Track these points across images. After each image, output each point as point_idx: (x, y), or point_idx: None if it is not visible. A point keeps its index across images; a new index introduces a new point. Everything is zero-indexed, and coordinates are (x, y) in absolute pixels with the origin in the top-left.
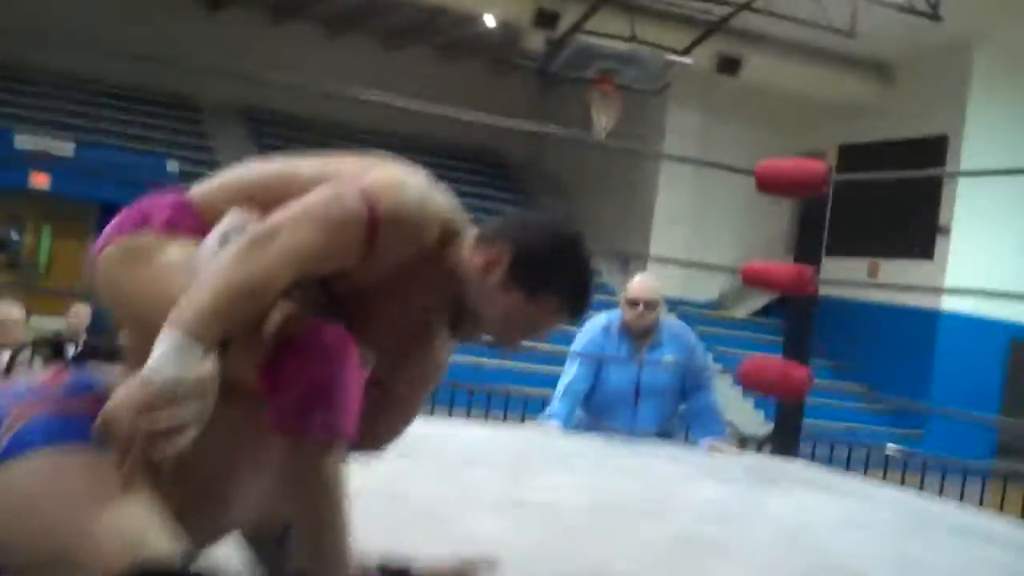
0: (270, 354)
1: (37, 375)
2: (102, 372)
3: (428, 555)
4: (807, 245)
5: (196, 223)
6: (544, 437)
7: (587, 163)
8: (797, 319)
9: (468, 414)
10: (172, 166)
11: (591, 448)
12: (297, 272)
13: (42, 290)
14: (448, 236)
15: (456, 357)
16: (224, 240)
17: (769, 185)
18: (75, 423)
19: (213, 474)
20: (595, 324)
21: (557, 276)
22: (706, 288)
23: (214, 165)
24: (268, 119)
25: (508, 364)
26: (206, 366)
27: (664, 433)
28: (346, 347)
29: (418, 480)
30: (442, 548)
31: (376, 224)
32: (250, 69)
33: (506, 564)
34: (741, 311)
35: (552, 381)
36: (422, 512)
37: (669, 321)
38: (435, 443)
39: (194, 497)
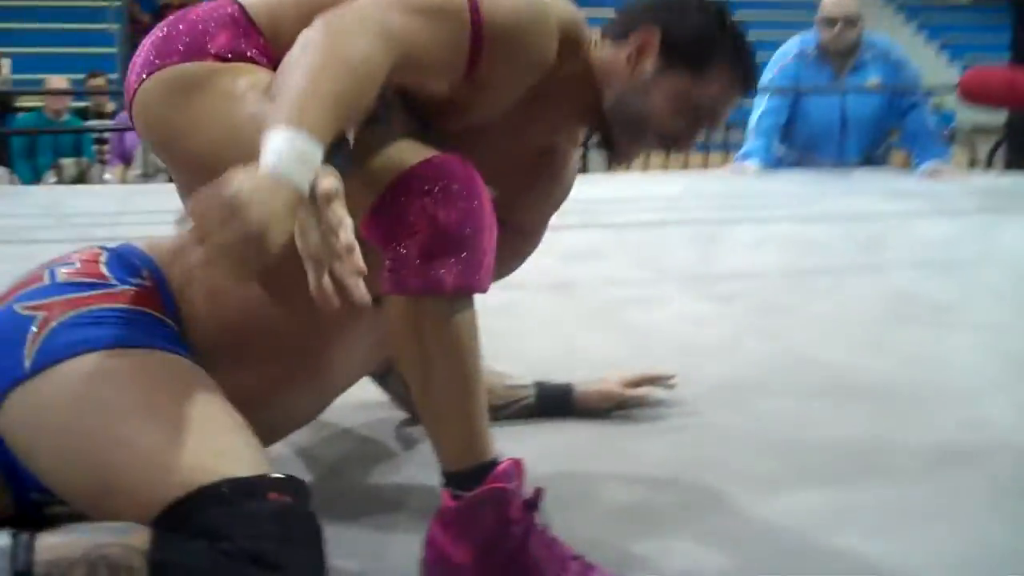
0: (381, 193)
1: (72, 258)
2: (149, 248)
3: (599, 358)
4: None
5: (261, 47)
6: (743, 182)
7: None
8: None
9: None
10: None
11: (792, 190)
12: (397, 59)
13: None
14: (571, 45)
15: None
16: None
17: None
18: (110, 323)
19: (305, 349)
20: (786, 51)
21: (721, 44)
22: None
23: None
24: None
25: None
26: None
27: (874, 161)
28: (476, 182)
29: (604, 260)
30: (623, 343)
31: (480, 33)
32: None
33: (688, 357)
34: None
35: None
36: (601, 303)
37: (871, 37)
38: (627, 205)
39: (280, 377)
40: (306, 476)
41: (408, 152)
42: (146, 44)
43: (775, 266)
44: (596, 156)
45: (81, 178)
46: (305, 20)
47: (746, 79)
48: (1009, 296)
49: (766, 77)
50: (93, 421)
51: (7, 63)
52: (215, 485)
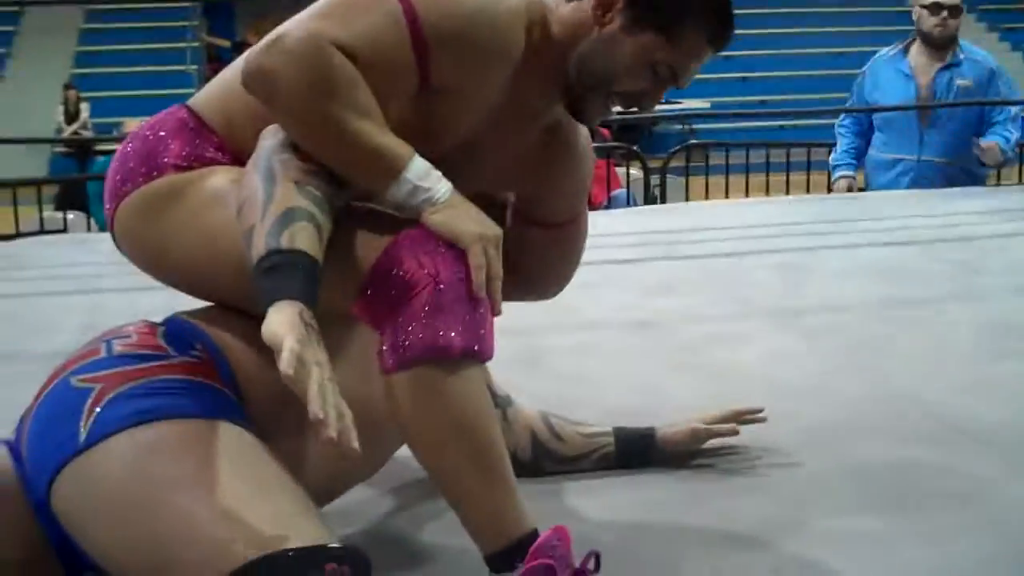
0: (371, 267)
1: (128, 330)
2: (198, 319)
3: (683, 402)
4: None
5: (217, 145)
6: (828, 205)
7: None
8: None
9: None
10: None
11: (880, 212)
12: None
13: None
14: (538, 18)
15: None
16: (268, 171)
17: None
18: (169, 393)
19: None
20: (879, 59)
21: (688, 1)
22: None
23: None
24: None
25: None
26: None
27: (957, 168)
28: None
29: (685, 295)
30: (707, 385)
31: (420, 36)
32: None
33: (778, 399)
34: None
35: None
36: (683, 342)
37: (969, 45)
38: (707, 235)
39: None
40: (363, 540)
41: (383, 225)
42: (112, 165)
43: (866, 296)
44: (673, 183)
45: None
46: (257, 116)
47: (717, 37)
48: None
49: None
50: (148, 493)
51: (86, 107)
52: (271, 557)
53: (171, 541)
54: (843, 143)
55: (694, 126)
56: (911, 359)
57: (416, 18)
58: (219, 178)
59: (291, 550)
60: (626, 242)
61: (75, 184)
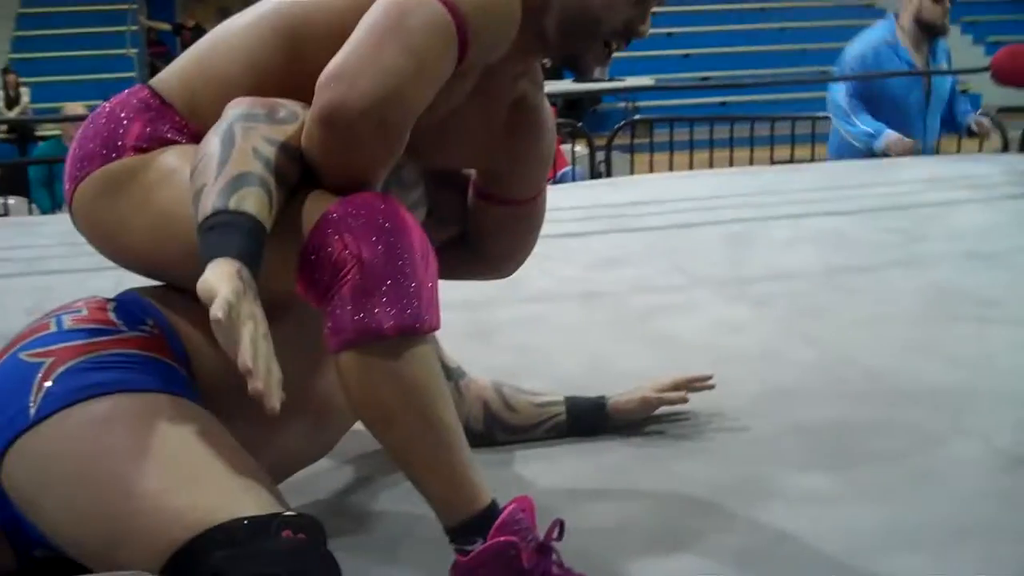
0: (304, 247)
1: (78, 305)
2: (150, 296)
3: (631, 371)
4: None
5: (177, 124)
6: (770, 176)
7: None
8: None
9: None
10: None
11: (825, 182)
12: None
13: None
14: None
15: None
16: (228, 134)
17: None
18: (119, 367)
19: (307, 388)
20: (867, 40)
21: None
22: None
23: None
24: None
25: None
26: None
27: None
28: (400, 213)
29: (632, 267)
30: (655, 354)
31: (465, 34)
32: None
33: (726, 366)
34: None
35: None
36: (631, 312)
37: None
38: (653, 208)
39: (286, 417)
40: (318, 510)
41: (321, 200)
42: (72, 147)
43: (811, 265)
44: (619, 159)
45: None
46: (221, 95)
47: None
48: None
49: (850, 57)
50: (100, 468)
51: (27, 92)
52: (226, 525)
53: (124, 513)
54: (863, 118)
55: (637, 103)
56: (855, 325)
57: (462, 22)
58: (174, 157)
59: (246, 518)
60: (573, 216)
61: (15, 169)
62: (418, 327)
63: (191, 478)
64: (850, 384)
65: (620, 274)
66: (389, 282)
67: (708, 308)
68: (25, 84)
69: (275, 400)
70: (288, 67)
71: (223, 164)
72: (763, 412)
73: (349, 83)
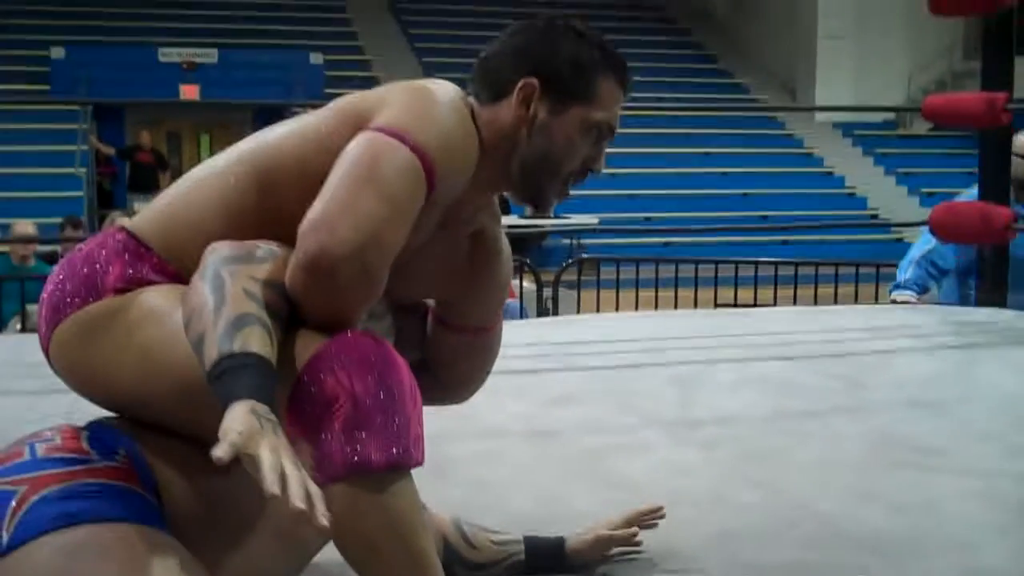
0: (295, 383)
1: (51, 433)
2: (129, 432)
3: (584, 510)
4: (993, 65)
5: (156, 266)
6: (717, 320)
7: None
8: (992, 154)
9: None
10: (316, 58)
11: (770, 328)
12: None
13: None
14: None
15: None
16: (217, 280)
17: (942, 4)
18: (92, 497)
19: (267, 508)
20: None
21: (593, 61)
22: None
23: (359, 52)
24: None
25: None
26: None
27: None
28: (390, 352)
29: (584, 406)
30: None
31: (429, 166)
32: None
33: (678, 508)
34: (920, 126)
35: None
36: (583, 451)
37: None
38: (603, 347)
39: (255, 544)
40: None
41: (313, 338)
42: (45, 294)
43: (758, 409)
44: (565, 296)
45: None
46: (197, 237)
47: (624, 81)
48: (997, 437)
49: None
50: None
51: None
52: None
53: None
54: (917, 274)
55: (582, 240)
56: (802, 470)
57: (428, 162)
58: (153, 296)
59: None
60: (524, 353)
61: None
62: (405, 462)
63: None
64: (798, 528)
65: (571, 412)
66: (380, 418)
67: (659, 450)
68: None
69: (319, 519)
70: (260, 209)
71: (218, 309)
72: (715, 554)
73: (329, 231)
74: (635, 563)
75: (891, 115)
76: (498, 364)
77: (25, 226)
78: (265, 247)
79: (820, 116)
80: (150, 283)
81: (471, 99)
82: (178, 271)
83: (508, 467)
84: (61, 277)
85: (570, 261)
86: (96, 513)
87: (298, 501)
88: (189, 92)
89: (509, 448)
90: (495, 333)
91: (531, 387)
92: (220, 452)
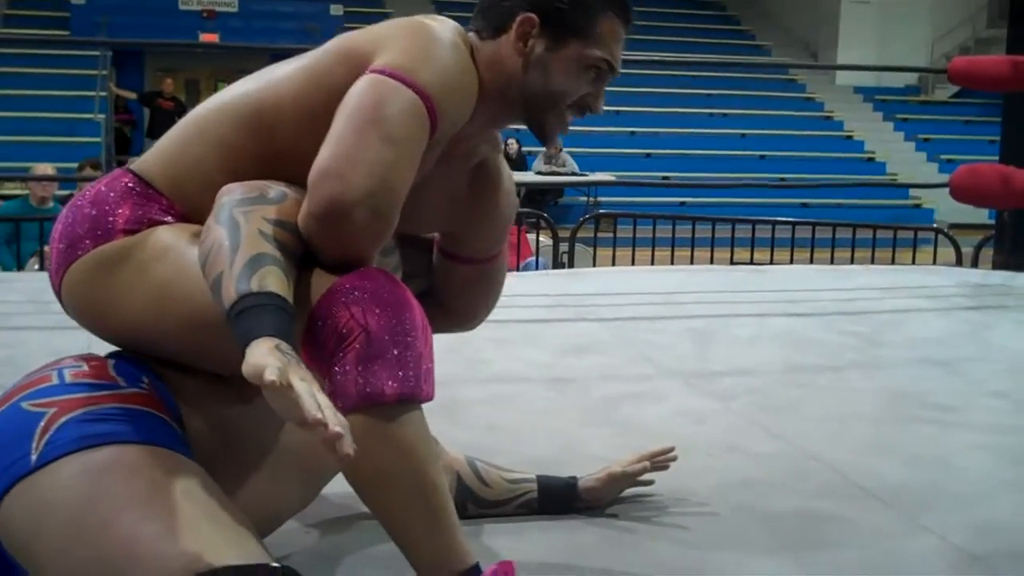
0: (310, 316)
1: (79, 361)
2: (150, 364)
3: (598, 455)
4: (1019, 29)
5: (165, 207)
6: (737, 275)
7: None
8: (1014, 118)
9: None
10: (336, 10)
11: (788, 285)
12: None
13: None
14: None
15: None
16: (231, 221)
17: None
18: (119, 420)
19: (282, 438)
20: None
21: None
22: (901, 73)
23: (379, 4)
24: None
25: None
26: None
27: None
28: (401, 288)
29: (600, 355)
30: (621, 440)
31: (432, 106)
32: None
33: (690, 455)
34: (942, 93)
35: None
36: (598, 398)
37: None
38: (621, 299)
39: (269, 470)
40: (300, 562)
41: (327, 275)
42: (55, 235)
43: (774, 362)
44: (581, 252)
45: None
46: (201, 179)
47: (625, 17)
48: (1008, 395)
49: None
50: (96, 512)
51: None
52: (216, 571)
53: (117, 558)
54: None
55: (599, 198)
56: (817, 421)
57: (430, 101)
58: (164, 234)
59: (233, 567)
60: (539, 303)
61: None
62: (416, 395)
63: (183, 527)
64: (812, 478)
65: (587, 361)
66: (392, 351)
67: (674, 399)
68: None
69: (348, 447)
70: (260, 149)
71: (235, 250)
72: (726, 500)
73: (340, 178)
74: (647, 504)
75: (913, 81)
76: (513, 313)
77: (45, 168)
78: (277, 188)
79: (841, 80)
80: (159, 223)
81: (471, 35)
82: (185, 211)
83: (522, 412)
84: (71, 219)
85: (587, 216)
86: (122, 435)
87: (336, 426)
88: (209, 40)
89: (523, 394)
90: (499, 262)
91: (546, 336)
92: (270, 376)
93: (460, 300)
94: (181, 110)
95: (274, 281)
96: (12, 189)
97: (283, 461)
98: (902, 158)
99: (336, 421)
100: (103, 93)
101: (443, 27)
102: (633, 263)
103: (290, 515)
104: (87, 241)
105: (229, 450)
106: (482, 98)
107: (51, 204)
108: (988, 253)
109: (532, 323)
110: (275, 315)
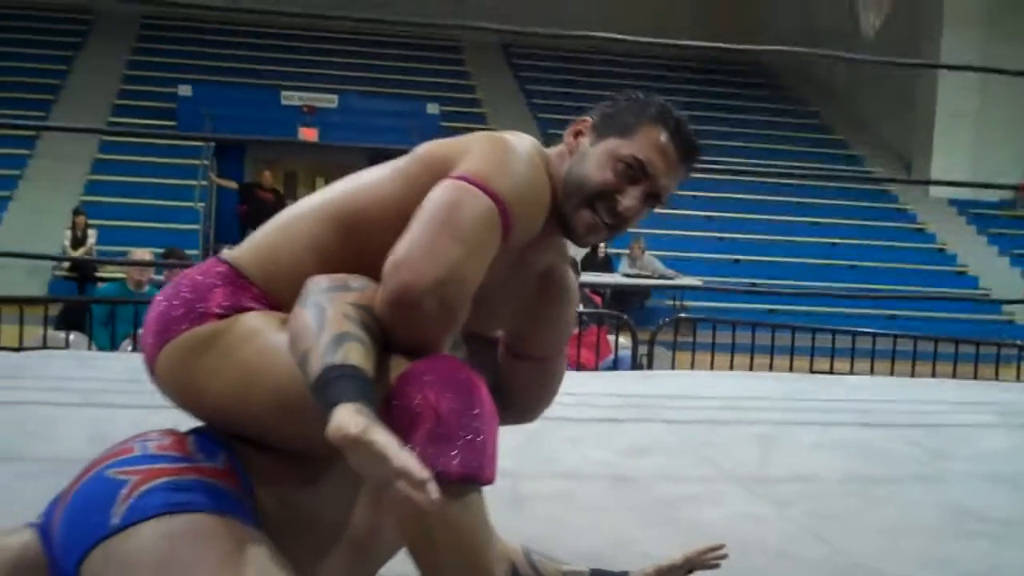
0: (388, 392)
1: (161, 435)
2: (227, 442)
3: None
4: None
5: (256, 296)
6: (803, 383)
7: (859, 62)
8: None
9: None
10: (432, 108)
11: (855, 395)
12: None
13: None
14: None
15: None
16: (318, 306)
17: None
18: (197, 491)
19: (352, 522)
20: None
21: (645, 111)
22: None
23: (476, 104)
24: (529, 54)
25: None
26: None
27: None
28: (473, 377)
29: (662, 456)
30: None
31: (506, 213)
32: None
33: (745, 559)
34: None
35: None
36: (657, 498)
37: None
38: (686, 402)
39: (336, 549)
40: None
41: (403, 360)
42: (152, 316)
43: (834, 471)
44: (661, 354)
45: None
46: (292, 274)
47: (677, 139)
48: None
49: None
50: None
51: (94, 234)
52: None
53: None
54: None
55: (685, 302)
56: (873, 532)
57: (504, 207)
58: (253, 319)
59: None
60: (610, 403)
61: (77, 306)
62: (479, 477)
63: None
64: None
65: (650, 462)
66: (460, 434)
67: (733, 502)
68: (93, 226)
69: (435, 492)
70: (349, 249)
71: (320, 328)
72: None
73: (411, 270)
74: None
75: (1008, 195)
76: (581, 412)
77: (143, 254)
78: (359, 280)
79: (935, 192)
80: (249, 310)
81: (550, 150)
82: (274, 301)
83: (583, 509)
84: (167, 303)
85: (667, 320)
86: (200, 504)
87: (422, 474)
88: (308, 135)
89: (585, 490)
90: (559, 361)
91: (613, 435)
92: (353, 429)
93: (521, 394)
94: (280, 202)
95: (356, 356)
96: (111, 272)
97: (346, 542)
98: (995, 272)
99: (420, 469)
100: (204, 182)
101: (521, 141)
102: (712, 368)
103: None
104: (184, 323)
105: (295, 527)
106: (553, 208)
107: (146, 288)
108: None
109: (600, 422)
110: (357, 384)
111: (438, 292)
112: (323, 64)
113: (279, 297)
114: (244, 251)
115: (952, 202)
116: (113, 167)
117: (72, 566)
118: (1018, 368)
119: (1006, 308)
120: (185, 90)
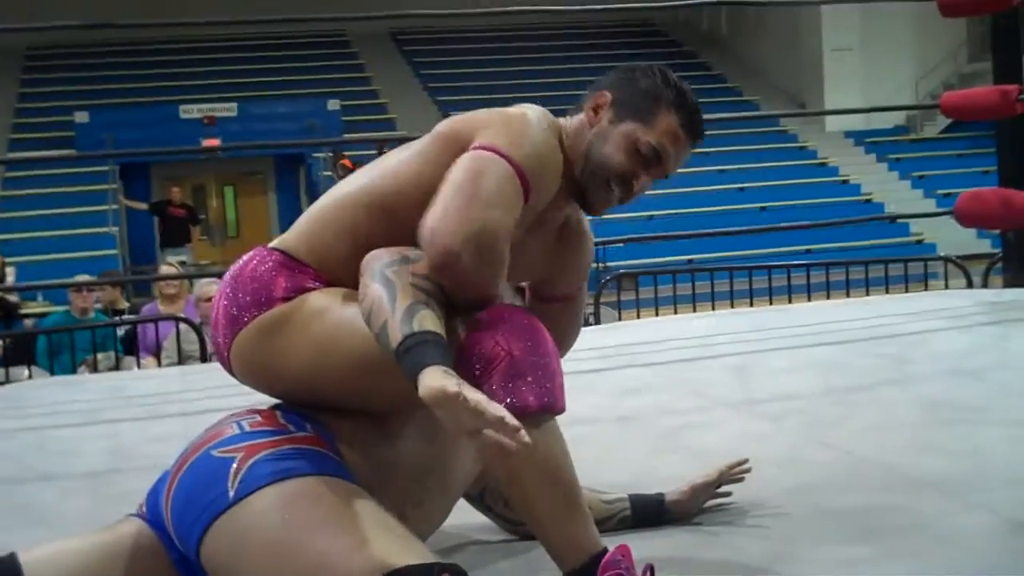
0: (461, 349)
1: (251, 414)
2: (307, 413)
3: (672, 477)
4: (1004, 59)
5: (314, 276)
6: (764, 316)
7: (743, 10)
8: (1009, 142)
9: None
10: (333, 105)
11: (812, 319)
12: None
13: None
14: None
15: None
16: (385, 279)
17: (954, 7)
18: (298, 458)
19: (431, 469)
20: None
21: (665, 97)
22: (889, 114)
23: (374, 96)
24: (417, 39)
25: None
26: None
27: None
28: (535, 320)
29: (655, 394)
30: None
31: (525, 179)
32: None
33: (757, 468)
34: (931, 130)
35: None
36: (662, 430)
37: None
38: (661, 345)
39: (417, 492)
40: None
41: (466, 312)
42: (218, 316)
43: (814, 387)
44: (607, 314)
45: (116, 370)
46: (342, 255)
47: (690, 126)
48: None
49: None
50: (291, 536)
51: (12, 271)
52: (400, 570)
53: (315, 570)
54: None
55: (607, 263)
56: (864, 432)
57: (523, 173)
58: (319, 297)
59: (414, 566)
60: (589, 356)
61: (24, 340)
62: (554, 407)
63: (365, 539)
64: (868, 477)
65: (644, 400)
66: (532, 371)
67: (730, 425)
68: (10, 264)
69: (526, 436)
70: (387, 229)
71: (393, 300)
72: (796, 501)
73: (446, 234)
74: (727, 512)
75: (901, 121)
76: (567, 366)
77: (169, 268)
78: (413, 251)
79: (831, 126)
80: (311, 290)
81: (562, 120)
82: (329, 279)
83: (596, 447)
84: (231, 297)
85: (608, 279)
86: (303, 469)
87: (513, 421)
88: (211, 144)
89: (595, 432)
90: (582, 296)
91: (602, 383)
92: (452, 388)
93: (552, 332)
94: (193, 217)
95: (430, 322)
96: (32, 308)
97: (424, 486)
98: (898, 197)
99: (512, 418)
100: (115, 206)
101: (535, 114)
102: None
103: (434, 528)
104: (252, 311)
105: (381, 477)
106: (567, 172)
107: (92, 315)
108: (996, 280)
109: (585, 373)
110: (436, 348)
111: (474, 246)
112: (219, 74)
113: (332, 275)
114: (292, 238)
115: (848, 134)
116: (17, 203)
117: (195, 542)
118: (944, 283)
119: (914, 229)
120: (82, 116)
